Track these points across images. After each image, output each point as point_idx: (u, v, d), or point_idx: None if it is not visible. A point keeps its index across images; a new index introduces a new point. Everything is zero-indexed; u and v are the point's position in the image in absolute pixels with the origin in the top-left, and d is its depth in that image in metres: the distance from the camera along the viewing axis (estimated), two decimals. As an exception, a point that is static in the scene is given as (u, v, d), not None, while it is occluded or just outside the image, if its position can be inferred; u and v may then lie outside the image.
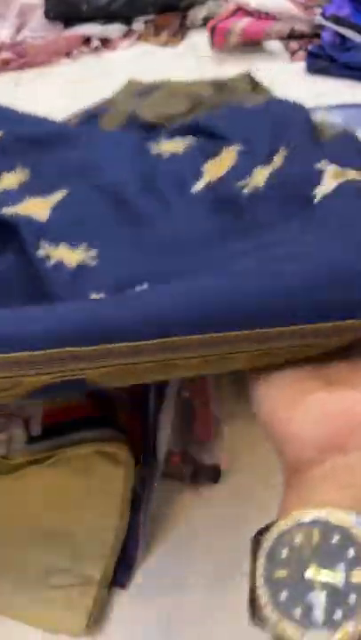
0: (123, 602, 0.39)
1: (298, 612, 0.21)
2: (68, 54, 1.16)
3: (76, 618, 0.37)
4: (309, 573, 0.21)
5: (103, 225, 0.40)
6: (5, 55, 1.14)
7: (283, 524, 0.23)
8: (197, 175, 0.43)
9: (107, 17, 1.16)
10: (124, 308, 0.28)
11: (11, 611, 0.38)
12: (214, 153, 0.44)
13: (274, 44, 0.96)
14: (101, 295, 0.34)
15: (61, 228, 0.39)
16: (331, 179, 0.35)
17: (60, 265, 0.37)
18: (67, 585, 0.38)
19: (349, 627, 0.20)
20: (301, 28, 0.95)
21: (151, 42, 1.15)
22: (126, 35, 1.17)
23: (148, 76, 1.02)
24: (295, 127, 0.41)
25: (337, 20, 0.90)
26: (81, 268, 0.37)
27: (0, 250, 0.40)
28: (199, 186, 0.42)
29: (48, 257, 0.37)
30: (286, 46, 0.95)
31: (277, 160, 0.40)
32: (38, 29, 1.17)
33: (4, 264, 0.39)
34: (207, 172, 0.43)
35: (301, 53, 0.94)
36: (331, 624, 0.20)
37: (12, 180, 0.45)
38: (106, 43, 1.16)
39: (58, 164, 0.46)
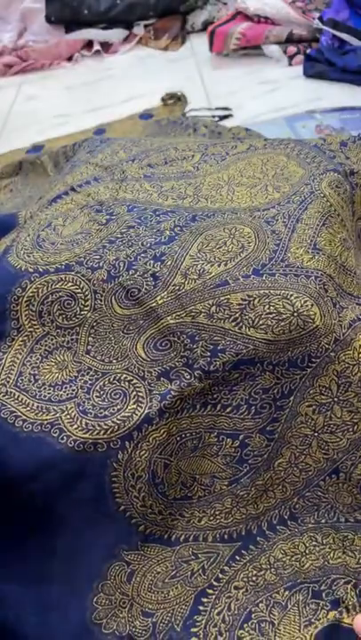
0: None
1: None
2: (69, 58, 1.17)
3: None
4: None
5: None
6: (8, 59, 1.16)
7: None
8: None
9: (107, 21, 1.17)
10: None
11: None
12: None
13: (273, 48, 0.97)
14: None
15: None
16: None
17: None
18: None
19: None
20: (300, 32, 0.96)
21: (151, 46, 1.16)
22: (127, 39, 1.18)
23: (148, 79, 1.04)
24: None
25: (335, 24, 0.91)
26: None
27: None
28: None
29: None
30: (285, 50, 0.97)
31: None
32: (40, 33, 1.19)
33: None
34: None
35: (300, 57, 0.95)
36: None
37: None
38: (107, 47, 1.17)
39: None
